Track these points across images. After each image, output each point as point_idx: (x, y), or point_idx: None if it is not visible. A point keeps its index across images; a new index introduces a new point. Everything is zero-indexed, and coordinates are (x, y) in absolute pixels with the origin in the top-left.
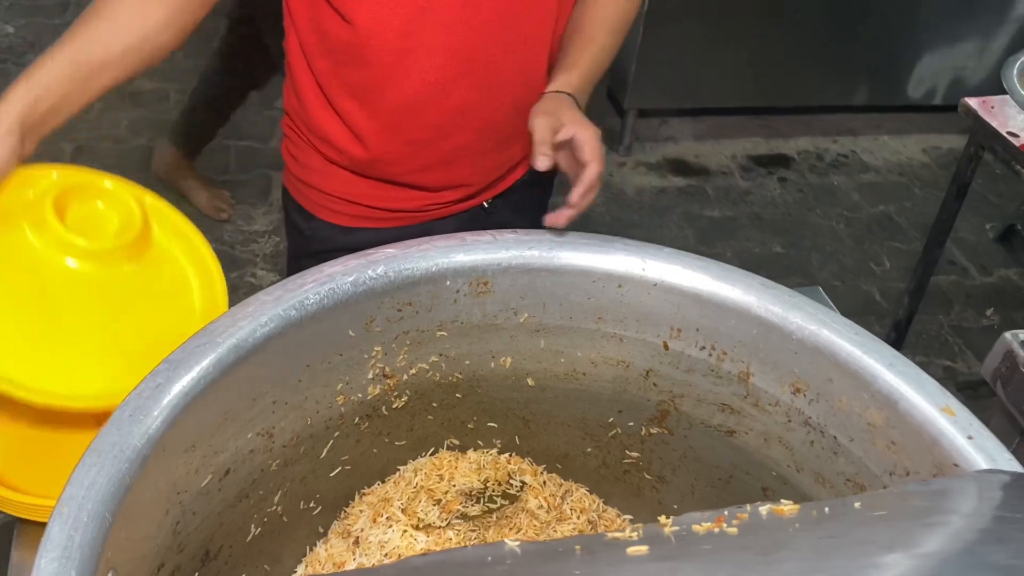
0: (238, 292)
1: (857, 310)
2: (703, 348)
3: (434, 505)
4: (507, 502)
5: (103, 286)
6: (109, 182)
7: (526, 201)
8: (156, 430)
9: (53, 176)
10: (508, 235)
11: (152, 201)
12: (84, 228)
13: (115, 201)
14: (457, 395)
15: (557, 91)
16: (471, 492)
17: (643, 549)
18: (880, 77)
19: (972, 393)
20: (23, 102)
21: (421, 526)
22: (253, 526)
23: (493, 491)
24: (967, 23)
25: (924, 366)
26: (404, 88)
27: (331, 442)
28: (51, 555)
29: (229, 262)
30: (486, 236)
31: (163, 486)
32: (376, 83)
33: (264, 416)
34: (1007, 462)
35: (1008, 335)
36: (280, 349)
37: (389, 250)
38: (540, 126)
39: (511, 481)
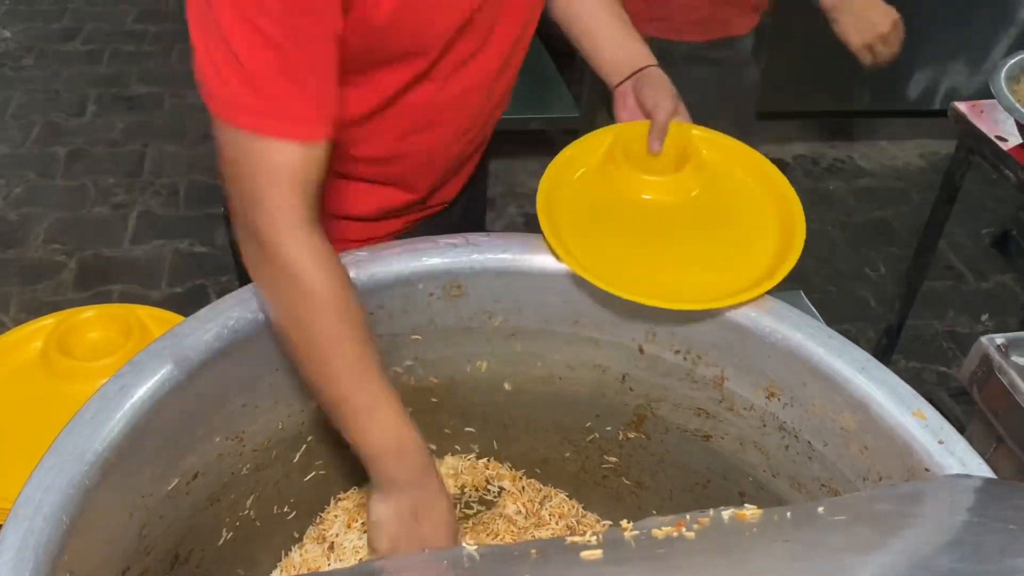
0: None
1: (852, 315)
2: (678, 352)
3: None
4: (484, 508)
5: None
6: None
7: (475, 197)
8: (119, 433)
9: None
10: (481, 237)
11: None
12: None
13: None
14: (433, 400)
15: (651, 66)
16: None
17: (597, 553)
18: (877, 82)
19: (965, 399)
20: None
21: None
22: (225, 531)
23: (470, 496)
24: (965, 29)
25: (918, 372)
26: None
27: (304, 446)
28: (4, 558)
29: (220, 266)
30: (458, 239)
31: (127, 490)
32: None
33: (233, 419)
34: (978, 467)
35: (984, 339)
36: (248, 352)
37: (360, 253)
38: (664, 112)
39: (489, 487)
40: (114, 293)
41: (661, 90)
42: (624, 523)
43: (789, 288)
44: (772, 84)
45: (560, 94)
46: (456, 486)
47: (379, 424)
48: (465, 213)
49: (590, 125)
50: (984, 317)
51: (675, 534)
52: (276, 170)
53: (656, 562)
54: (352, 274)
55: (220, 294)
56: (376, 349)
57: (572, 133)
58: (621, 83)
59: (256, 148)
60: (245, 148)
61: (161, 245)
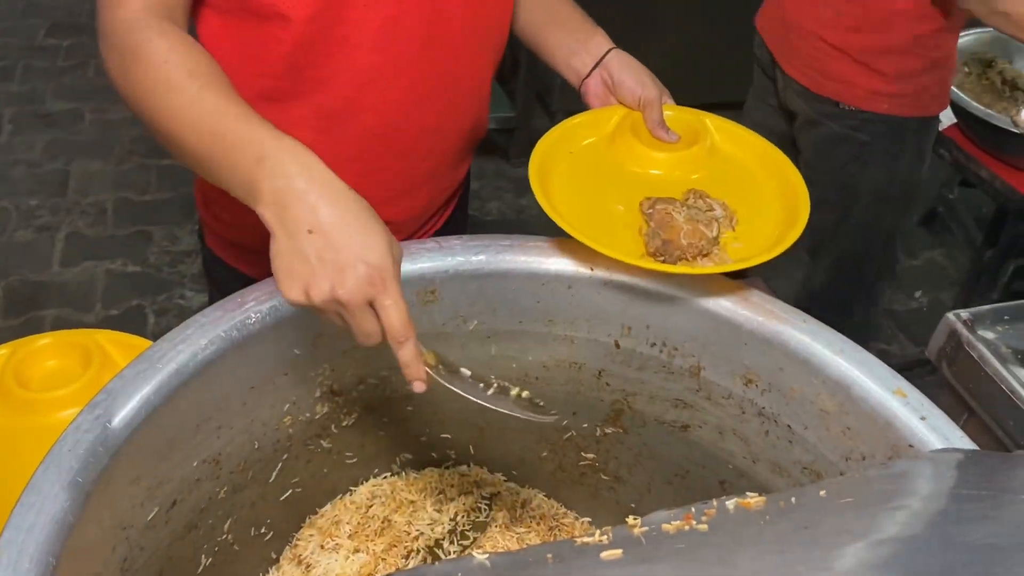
0: (167, 315)
1: (791, 301)
2: (654, 344)
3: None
4: (479, 533)
5: None
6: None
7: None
8: (97, 463)
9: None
10: (454, 241)
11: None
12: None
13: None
14: (408, 408)
15: (615, 48)
16: (439, 540)
17: (617, 553)
18: None
19: (908, 375)
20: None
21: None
22: (204, 557)
23: (463, 527)
24: None
25: None
26: (369, 115)
27: (280, 465)
28: None
29: (156, 285)
30: (430, 243)
31: (108, 522)
32: (340, 108)
33: (209, 442)
34: (960, 440)
35: (951, 315)
36: (223, 372)
37: None
38: (654, 103)
39: (479, 505)
40: (46, 319)
41: (638, 77)
42: (631, 520)
43: (742, 280)
44: (701, 74)
45: (494, 93)
46: (448, 520)
47: (244, 145)
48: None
49: (526, 123)
50: (918, 294)
51: (686, 527)
52: None
53: (677, 557)
54: None
55: (158, 314)
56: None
57: (508, 132)
58: (587, 76)
59: None
60: None
61: (92, 266)
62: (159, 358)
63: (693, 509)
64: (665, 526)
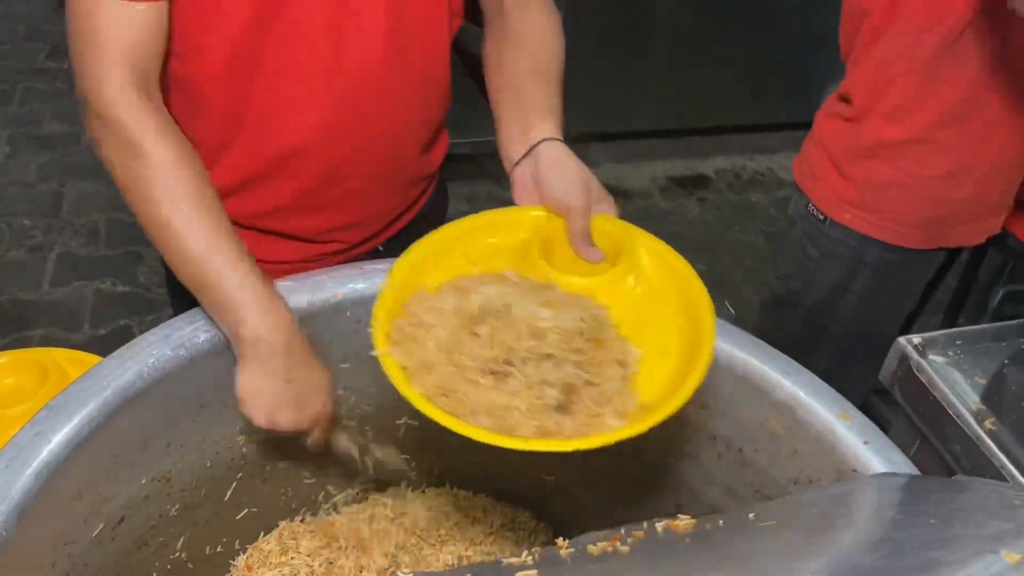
0: None
1: (760, 312)
2: None
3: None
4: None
5: None
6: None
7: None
8: (36, 480)
9: None
10: (378, 265)
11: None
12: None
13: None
14: (366, 428)
15: (553, 138)
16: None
17: (532, 573)
18: (792, 96)
19: (887, 397)
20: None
21: None
22: (156, 574)
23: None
24: None
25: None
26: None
27: (235, 484)
28: None
29: (144, 304)
30: (384, 263)
31: (47, 538)
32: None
33: (158, 460)
34: (902, 464)
35: (902, 340)
36: (170, 390)
37: (284, 283)
38: (578, 213)
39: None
40: (34, 338)
41: (567, 177)
42: (560, 541)
43: (728, 299)
44: (692, 99)
45: (486, 117)
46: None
47: (235, 287)
48: None
49: None
50: None
51: (610, 549)
52: (100, 33)
53: None
54: None
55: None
56: (222, 211)
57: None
58: (518, 163)
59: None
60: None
61: (82, 286)
62: (104, 375)
63: (622, 531)
64: (590, 547)
